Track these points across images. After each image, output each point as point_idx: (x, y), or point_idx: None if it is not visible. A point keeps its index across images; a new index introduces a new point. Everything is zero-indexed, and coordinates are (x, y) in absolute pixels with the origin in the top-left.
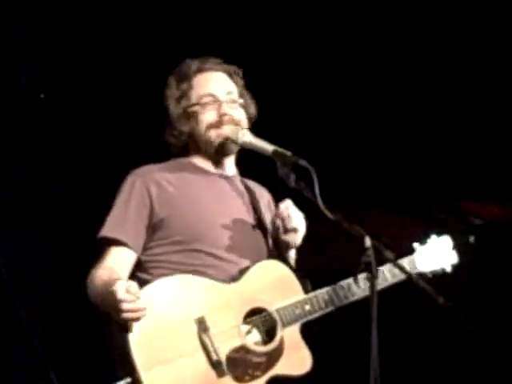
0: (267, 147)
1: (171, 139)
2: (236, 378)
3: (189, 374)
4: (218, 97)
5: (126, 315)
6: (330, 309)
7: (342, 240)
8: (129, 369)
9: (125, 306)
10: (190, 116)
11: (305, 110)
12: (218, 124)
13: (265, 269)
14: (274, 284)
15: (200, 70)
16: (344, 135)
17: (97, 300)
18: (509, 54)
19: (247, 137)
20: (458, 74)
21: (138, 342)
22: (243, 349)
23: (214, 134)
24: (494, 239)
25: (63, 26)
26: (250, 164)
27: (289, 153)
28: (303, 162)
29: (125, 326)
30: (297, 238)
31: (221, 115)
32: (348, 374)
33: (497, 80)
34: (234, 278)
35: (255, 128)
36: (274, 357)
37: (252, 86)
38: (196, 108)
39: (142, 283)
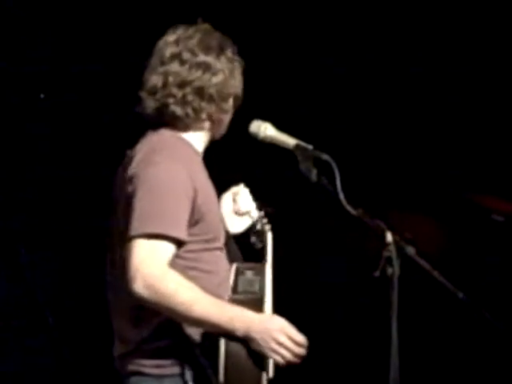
0: (289, 141)
1: (173, 107)
2: None
3: None
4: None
5: (284, 353)
6: None
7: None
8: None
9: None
10: (217, 100)
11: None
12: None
13: None
14: None
15: (234, 59)
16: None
17: (194, 311)
18: None
19: (269, 130)
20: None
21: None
22: None
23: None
24: None
25: None
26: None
27: (310, 147)
28: (325, 156)
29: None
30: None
31: None
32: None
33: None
34: None
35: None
36: None
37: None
38: (229, 100)
39: None
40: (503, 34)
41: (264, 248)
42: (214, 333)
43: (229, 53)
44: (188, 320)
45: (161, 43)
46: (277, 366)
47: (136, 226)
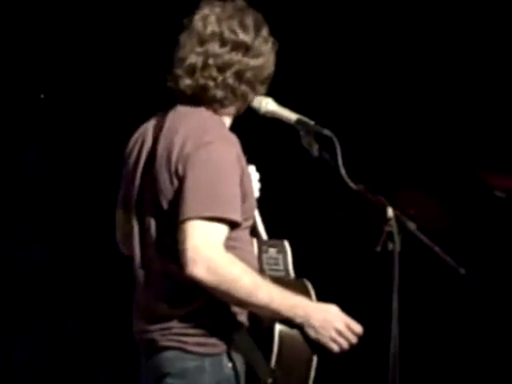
0: (291, 116)
1: (213, 90)
2: None
3: None
4: None
5: (342, 342)
6: None
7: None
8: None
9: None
10: (255, 82)
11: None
12: None
13: None
14: None
15: (269, 39)
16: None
17: (260, 298)
18: None
19: (271, 105)
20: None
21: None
22: None
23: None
24: None
25: None
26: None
27: (312, 122)
28: (327, 132)
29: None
30: None
31: None
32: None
33: None
34: None
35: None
36: None
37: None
38: (266, 82)
39: None
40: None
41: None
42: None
43: (264, 32)
44: (247, 305)
45: (198, 20)
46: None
47: (193, 208)
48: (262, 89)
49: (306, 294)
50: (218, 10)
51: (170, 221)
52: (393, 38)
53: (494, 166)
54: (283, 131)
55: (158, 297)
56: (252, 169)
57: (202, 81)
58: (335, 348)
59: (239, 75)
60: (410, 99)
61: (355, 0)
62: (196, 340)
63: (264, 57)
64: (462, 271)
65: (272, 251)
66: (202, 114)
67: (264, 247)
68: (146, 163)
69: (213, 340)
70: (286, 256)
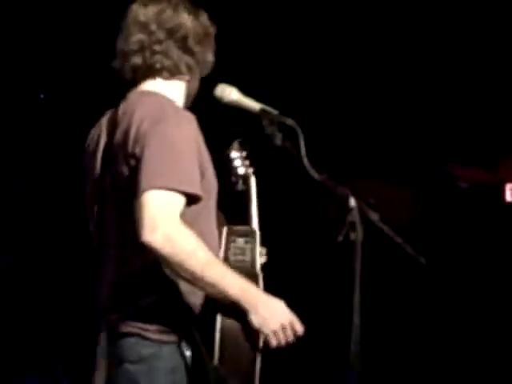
0: (254, 105)
1: (158, 64)
2: None
3: None
4: None
5: (281, 338)
6: None
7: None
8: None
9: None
10: (198, 61)
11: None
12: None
13: None
14: None
15: (209, 25)
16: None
17: (208, 278)
18: None
19: (234, 94)
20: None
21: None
22: None
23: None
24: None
25: None
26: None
27: (276, 111)
28: (290, 121)
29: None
30: None
31: None
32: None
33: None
34: None
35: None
36: None
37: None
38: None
39: None
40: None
41: (248, 191)
42: (212, 308)
43: (205, 17)
44: (198, 280)
45: (134, 5)
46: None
47: (148, 181)
48: (205, 56)
49: (253, 282)
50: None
51: (129, 205)
52: (354, 23)
53: (457, 158)
54: (245, 120)
55: (118, 284)
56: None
57: (149, 50)
58: (273, 342)
59: (182, 41)
60: (373, 86)
61: None
62: (154, 327)
63: (202, 30)
64: (423, 261)
65: (240, 241)
66: (155, 96)
67: (233, 237)
68: (104, 151)
69: (170, 328)
70: (254, 246)
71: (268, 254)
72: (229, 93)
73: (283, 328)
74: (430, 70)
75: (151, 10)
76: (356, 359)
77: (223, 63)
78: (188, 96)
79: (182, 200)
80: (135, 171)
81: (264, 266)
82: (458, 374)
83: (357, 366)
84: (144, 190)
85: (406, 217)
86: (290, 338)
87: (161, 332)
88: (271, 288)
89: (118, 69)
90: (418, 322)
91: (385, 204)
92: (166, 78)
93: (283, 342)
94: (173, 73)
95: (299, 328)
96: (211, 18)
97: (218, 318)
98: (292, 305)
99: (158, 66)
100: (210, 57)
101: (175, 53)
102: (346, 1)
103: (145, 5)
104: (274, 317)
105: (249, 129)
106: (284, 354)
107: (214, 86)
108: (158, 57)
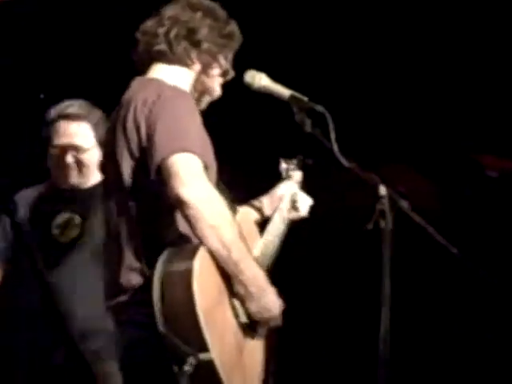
0: (284, 92)
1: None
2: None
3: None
4: None
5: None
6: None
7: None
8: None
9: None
10: (207, 58)
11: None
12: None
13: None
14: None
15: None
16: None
17: (230, 253)
18: None
19: (264, 80)
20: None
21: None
22: None
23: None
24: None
25: None
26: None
27: (305, 98)
28: (320, 108)
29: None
30: None
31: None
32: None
33: None
34: None
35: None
36: None
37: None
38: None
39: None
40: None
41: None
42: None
43: (232, 27)
44: (223, 249)
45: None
46: None
47: (169, 146)
48: (215, 54)
49: None
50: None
51: (136, 192)
52: (383, 16)
53: (486, 148)
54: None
55: (116, 267)
56: (302, 195)
57: (151, 33)
58: (260, 333)
59: (188, 31)
60: (402, 74)
61: None
62: (146, 311)
63: (220, 34)
64: (454, 250)
65: None
66: (157, 81)
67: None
68: (106, 142)
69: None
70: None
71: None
72: (259, 79)
73: (269, 319)
74: (463, 59)
75: (170, 7)
76: (385, 349)
77: (252, 49)
78: (201, 92)
79: (201, 163)
80: (144, 148)
81: (290, 258)
82: (489, 368)
83: (386, 357)
84: (168, 156)
85: (436, 205)
86: (261, 335)
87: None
88: (298, 278)
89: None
90: (448, 313)
91: (414, 192)
92: (166, 63)
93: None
94: (171, 58)
95: (278, 322)
96: (235, 8)
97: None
98: (320, 294)
99: (155, 48)
100: (223, 58)
101: (175, 39)
102: None
103: (171, 4)
104: (267, 310)
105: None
106: (315, 343)
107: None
108: (157, 40)
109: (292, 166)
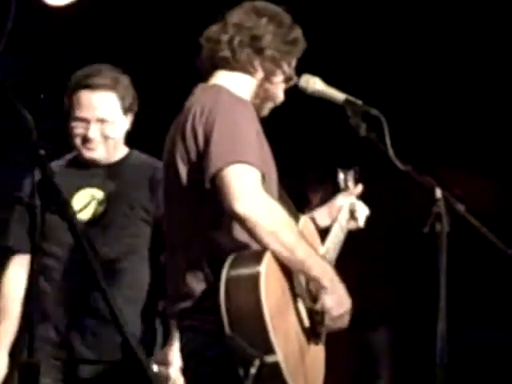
0: (338, 95)
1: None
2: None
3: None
4: None
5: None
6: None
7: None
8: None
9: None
10: (270, 65)
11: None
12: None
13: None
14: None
15: (299, 39)
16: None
17: (294, 253)
18: None
19: (318, 84)
20: None
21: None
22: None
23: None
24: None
25: None
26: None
27: (360, 101)
28: (374, 111)
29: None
30: None
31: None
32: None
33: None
34: None
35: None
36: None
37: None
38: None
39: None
40: None
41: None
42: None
43: (297, 32)
44: (287, 253)
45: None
46: None
47: (225, 157)
48: (279, 61)
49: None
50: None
51: (195, 197)
52: (441, 18)
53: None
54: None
55: (180, 276)
56: (361, 205)
57: (214, 39)
58: (333, 325)
59: (251, 39)
60: (458, 79)
61: None
62: (212, 318)
63: (284, 40)
64: (511, 253)
65: None
66: (217, 87)
67: None
68: (166, 152)
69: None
70: None
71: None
72: (313, 83)
73: (341, 316)
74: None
75: (235, 12)
76: (442, 353)
77: (306, 53)
78: (262, 101)
79: (258, 173)
80: (201, 156)
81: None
82: None
83: (443, 361)
84: (222, 168)
85: (493, 208)
86: (336, 327)
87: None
88: (356, 282)
89: (197, 64)
90: (505, 316)
91: (471, 195)
92: (229, 70)
93: (332, 328)
94: (234, 66)
95: (346, 321)
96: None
97: (221, 288)
98: (379, 298)
99: (218, 55)
100: (287, 65)
101: (238, 46)
102: None
103: (236, 9)
104: (341, 304)
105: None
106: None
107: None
108: (221, 46)
109: (349, 177)
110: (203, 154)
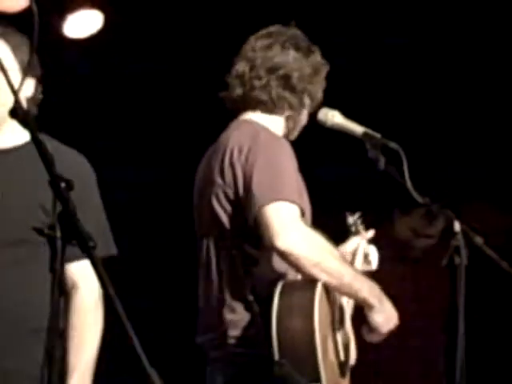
0: (357, 129)
1: (256, 83)
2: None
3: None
4: None
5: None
6: None
7: None
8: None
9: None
10: (301, 98)
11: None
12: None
13: None
14: None
15: (321, 62)
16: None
17: (342, 279)
18: None
19: (338, 118)
20: None
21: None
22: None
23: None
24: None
25: None
26: None
27: (378, 135)
28: (393, 145)
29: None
30: None
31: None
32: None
33: None
34: None
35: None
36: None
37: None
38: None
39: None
40: None
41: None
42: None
43: (317, 55)
44: (334, 279)
45: (251, 38)
46: None
47: (268, 194)
48: (311, 93)
49: None
50: (272, 28)
51: (232, 235)
52: (455, 52)
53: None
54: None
55: (213, 306)
56: (372, 248)
57: (248, 84)
58: (376, 339)
59: (284, 79)
60: (475, 112)
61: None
62: (241, 350)
63: (310, 69)
64: None
65: None
66: (251, 124)
67: None
68: (200, 181)
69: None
70: None
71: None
72: (332, 116)
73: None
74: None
75: (260, 44)
76: None
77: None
78: (291, 130)
79: (298, 209)
80: (241, 195)
81: None
82: None
83: None
84: (263, 206)
85: (507, 242)
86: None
87: (244, 355)
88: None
89: (222, 97)
90: None
91: (490, 228)
92: (264, 112)
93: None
94: (270, 108)
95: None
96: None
97: (273, 314)
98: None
99: (256, 100)
100: (317, 94)
101: (275, 89)
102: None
103: (256, 38)
104: (389, 321)
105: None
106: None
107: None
108: (256, 91)
109: (359, 221)
110: (244, 194)
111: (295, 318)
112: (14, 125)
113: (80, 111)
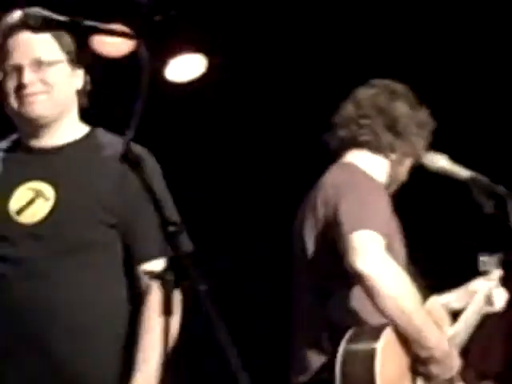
0: (463, 173)
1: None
2: None
3: None
4: None
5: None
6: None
7: None
8: None
9: None
10: (404, 145)
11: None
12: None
13: None
14: None
15: (428, 121)
16: None
17: (415, 325)
18: None
19: (443, 162)
20: None
21: None
22: None
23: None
24: None
25: None
26: None
27: (486, 179)
28: (501, 189)
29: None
30: None
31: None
32: None
33: None
34: None
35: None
36: None
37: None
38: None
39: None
40: None
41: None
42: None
43: (424, 111)
44: (404, 317)
45: (358, 88)
46: None
47: (355, 223)
48: (414, 144)
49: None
50: (381, 83)
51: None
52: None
53: None
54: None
55: (307, 346)
56: (500, 290)
57: (355, 123)
58: None
59: (391, 121)
60: None
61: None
62: None
63: (417, 120)
64: None
65: None
66: (349, 166)
67: None
68: (298, 220)
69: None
70: None
71: None
72: (437, 160)
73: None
74: None
75: (369, 92)
76: None
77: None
78: (393, 179)
79: (382, 240)
80: (329, 226)
81: None
82: None
83: None
84: (348, 233)
85: None
86: None
87: None
88: None
89: (326, 140)
90: None
91: None
92: (368, 151)
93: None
94: (375, 148)
95: None
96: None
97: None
98: None
99: (360, 138)
100: (419, 147)
101: (381, 130)
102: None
103: (366, 87)
104: (448, 372)
105: None
106: None
107: None
108: (363, 130)
109: (491, 262)
110: (332, 223)
111: (358, 365)
112: (65, 123)
113: (180, 152)
